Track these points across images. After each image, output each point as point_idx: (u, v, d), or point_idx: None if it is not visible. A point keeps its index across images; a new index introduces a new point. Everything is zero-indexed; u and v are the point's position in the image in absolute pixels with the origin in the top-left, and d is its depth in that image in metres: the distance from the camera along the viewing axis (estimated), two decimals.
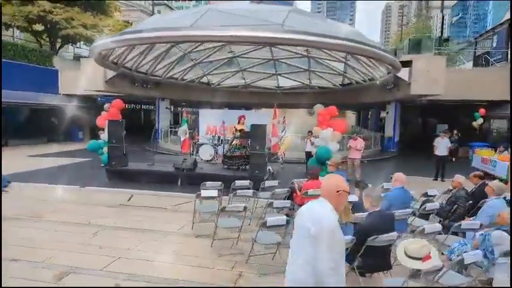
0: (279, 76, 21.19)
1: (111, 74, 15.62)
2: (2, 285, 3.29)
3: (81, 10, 19.87)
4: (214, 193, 5.36)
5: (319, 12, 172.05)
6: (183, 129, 12.87)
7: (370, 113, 29.18)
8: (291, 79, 21.29)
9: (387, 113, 19.80)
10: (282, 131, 13.27)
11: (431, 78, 12.68)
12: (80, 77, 15.53)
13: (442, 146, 10.97)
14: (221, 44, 15.35)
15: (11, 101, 16.47)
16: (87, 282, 3.88)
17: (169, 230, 5.65)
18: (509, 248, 3.42)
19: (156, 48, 15.01)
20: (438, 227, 4.01)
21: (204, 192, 5.33)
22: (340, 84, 20.34)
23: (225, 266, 4.39)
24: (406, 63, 13.52)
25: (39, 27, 20.44)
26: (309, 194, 5.72)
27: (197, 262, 4.49)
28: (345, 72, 18.17)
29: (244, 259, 4.46)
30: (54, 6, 18.21)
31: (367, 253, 3.56)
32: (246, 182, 6.25)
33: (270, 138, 13.16)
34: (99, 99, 19.12)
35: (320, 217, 2.17)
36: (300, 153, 13.69)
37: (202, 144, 11.26)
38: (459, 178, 5.41)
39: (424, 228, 3.92)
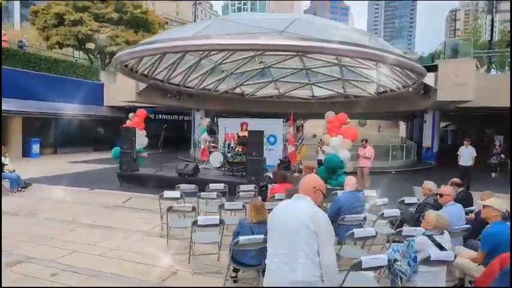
0: (313, 85, 20.96)
1: (143, 85, 16.62)
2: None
3: (126, 28, 21.55)
4: (177, 194, 5.50)
5: (376, 13, 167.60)
6: (203, 138, 13.28)
7: (414, 122, 27.62)
8: (325, 88, 20.96)
9: (425, 121, 18.61)
10: (299, 140, 13.09)
11: (458, 83, 11.74)
12: (116, 89, 16.76)
13: (466, 155, 10.08)
14: (251, 54, 15.74)
15: (61, 112, 18.28)
16: (28, 270, 4.20)
17: (141, 230, 5.89)
18: (429, 255, 3.11)
19: (187, 60, 15.66)
20: (371, 231, 3.77)
21: (166, 193, 5.50)
22: (375, 93, 19.59)
23: (161, 262, 4.49)
24: (434, 68, 12.70)
25: (91, 45, 22.53)
26: (275, 198, 5.66)
27: (141, 259, 4.65)
28: (379, 80, 17.50)
29: (194, 259, 4.47)
30: (101, 25, 19.99)
31: None
32: (221, 185, 6.32)
33: (287, 146, 13.11)
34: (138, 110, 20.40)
35: (316, 212, 2.26)
36: None
37: (213, 151, 11.53)
38: (428, 184, 4.97)
39: (353, 233, 3.70)
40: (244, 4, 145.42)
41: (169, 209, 4.79)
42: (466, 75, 12.02)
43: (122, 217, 6.68)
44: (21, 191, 8.68)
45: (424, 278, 3.20)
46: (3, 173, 8.48)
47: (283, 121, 13.75)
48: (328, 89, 20.78)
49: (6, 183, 8.56)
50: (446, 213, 3.94)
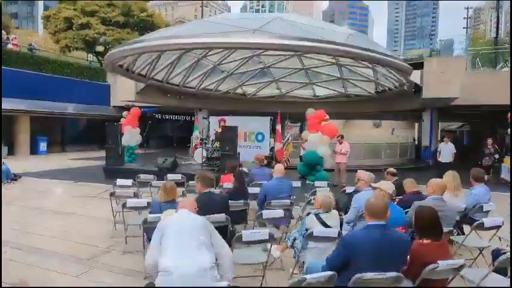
0: (314, 85, 21.03)
1: (142, 85, 17.20)
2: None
3: (132, 31, 22.35)
4: (129, 182, 5.89)
5: (397, 12, 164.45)
6: (195, 135, 13.70)
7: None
8: (326, 88, 21.00)
9: (422, 121, 18.38)
10: (285, 137, 13.30)
11: (443, 80, 11.66)
12: (117, 89, 17.43)
13: (445, 151, 10.03)
14: (249, 54, 16.08)
15: (68, 112, 19.20)
16: None
17: (99, 216, 6.28)
18: (312, 231, 3.33)
19: (185, 60, 16.08)
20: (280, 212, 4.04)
21: (119, 181, 5.89)
22: (375, 92, 19.51)
23: (102, 243, 4.86)
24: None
25: (100, 48, 23.50)
26: (224, 187, 5.94)
27: (85, 240, 5.05)
28: (377, 79, 17.45)
29: (129, 240, 4.78)
30: (107, 28, 20.84)
31: None
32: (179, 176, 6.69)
33: (274, 143, 13.33)
34: (142, 109, 21.09)
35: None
36: None
37: (198, 148, 11.91)
38: (361, 174, 5.04)
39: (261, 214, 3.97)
40: (263, 6, 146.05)
41: (112, 194, 5.17)
42: (453, 73, 11.92)
43: (86, 205, 7.14)
44: (10, 182, 9.31)
45: (311, 253, 3.44)
46: None
47: (270, 119, 13.96)
48: (329, 89, 20.84)
49: None
50: (360, 197, 4.15)
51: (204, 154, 10.50)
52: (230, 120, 15.19)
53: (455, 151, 10.15)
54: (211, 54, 16.06)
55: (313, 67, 18.09)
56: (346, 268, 2.64)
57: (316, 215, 3.53)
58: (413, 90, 14.10)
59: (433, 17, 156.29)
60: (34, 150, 17.97)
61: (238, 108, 22.66)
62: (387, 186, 3.76)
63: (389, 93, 18.06)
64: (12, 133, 17.24)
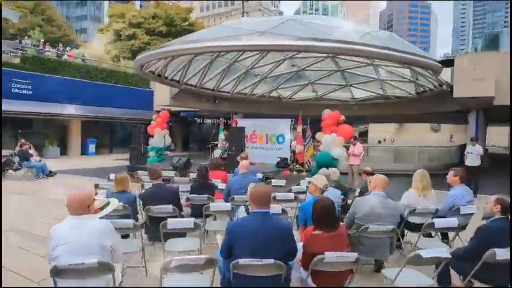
0: (351, 87, 20.54)
1: (177, 90, 18.10)
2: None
3: (174, 40, 23.63)
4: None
5: (463, 9, 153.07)
6: (220, 137, 14.15)
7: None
8: (364, 90, 20.40)
9: (468, 123, 17.00)
10: (306, 140, 13.18)
11: (475, 78, 10.78)
12: (156, 94, 18.56)
13: (472, 154, 9.27)
14: (281, 57, 16.30)
15: (115, 116, 20.82)
16: None
17: None
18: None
19: (217, 65, 16.69)
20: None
21: (112, 176, 6.41)
22: (416, 93, 18.53)
23: None
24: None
25: None
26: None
27: None
28: (416, 79, 16.61)
29: None
30: (151, 38, 22.31)
31: None
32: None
33: (294, 146, 13.30)
34: (181, 113, 22.19)
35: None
36: None
37: (216, 149, 12.32)
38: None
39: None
40: (316, 10, 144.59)
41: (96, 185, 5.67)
42: (487, 70, 10.98)
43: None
44: (45, 178, 10.43)
45: None
46: (29, 162, 10.30)
47: (291, 121, 13.95)
48: (367, 90, 20.19)
49: (32, 171, 10.38)
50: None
51: (218, 155, 10.86)
52: (249, 122, 15.53)
53: (482, 153, 9.34)
54: (242, 59, 16.49)
55: (349, 68, 17.75)
56: (231, 254, 2.72)
57: (245, 206, 3.62)
58: (448, 89, 13.20)
59: (506, 11, 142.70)
60: (84, 151, 19.74)
61: (274, 111, 22.81)
62: (319, 180, 3.72)
63: (430, 93, 17.09)
64: (65, 136, 19.13)
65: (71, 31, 39.15)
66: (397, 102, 19.63)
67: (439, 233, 4.72)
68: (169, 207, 4.14)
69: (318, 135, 10.88)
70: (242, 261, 2.57)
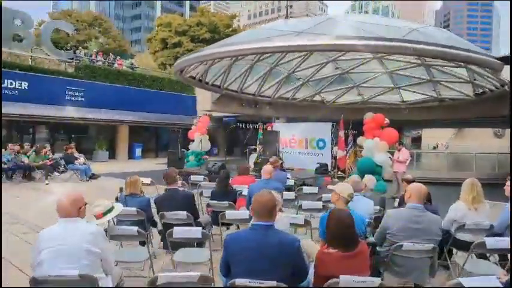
0: (400, 89, 19.37)
1: (218, 95, 18.19)
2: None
3: None
4: (148, 181, 6.30)
5: None
6: (258, 141, 13.87)
7: None
8: (415, 92, 19.11)
9: None
10: (349, 145, 12.46)
11: None
12: (198, 99, 18.81)
13: None
14: (324, 60, 15.85)
15: (160, 121, 21.42)
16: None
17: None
18: None
19: (258, 69, 16.55)
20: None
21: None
22: (474, 94, 16.97)
23: None
24: None
25: None
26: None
27: None
28: (474, 79, 15.21)
29: None
30: (196, 45, 22.75)
31: None
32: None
33: (336, 151, 12.65)
34: (224, 119, 22.30)
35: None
36: None
37: (253, 153, 12.04)
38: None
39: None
40: (366, 12, 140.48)
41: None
42: None
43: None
44: (88, 180, 10.80)
45: None
46: (73, 165, 10.72)
47: (332, 125, 13.30)
48: (419, 93, 18.88)
49: (77, 173, 10.81)
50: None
51: (253, 159, 10.59)
52: (288, 126, 15.05)
53: None
54: (283, 62, 16.20)
55: (398, 70, 16.73)
56: (229, 271, 2.37)
57: None
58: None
59: None
60: (131, 155, 20.47)
61: (317, 116, 22.13)
62: (342, 189, 3.22)
63: (490, 95, 15.59)
64: (114, 140, 19.99)
65: (125, 42, 41.46)
66: (452, 105, 18.12)
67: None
68: (182, 214, 3.88)
69: (360, 139, 10.20)
70: (239, 281, 2.20)
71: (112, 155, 19.53)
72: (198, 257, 3.43)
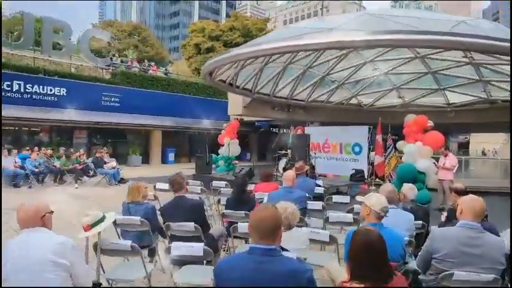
0: (445, 91, 18.02)
1: (249, 99, 17.80)
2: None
3: None
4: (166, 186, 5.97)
5: None
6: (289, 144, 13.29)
7: None
8: (462, 93, 17.69)
9: None
10: (388, 150, 11.51)
11: None
12: (229, 103, 18.56)
13: None
14: (361, 61, 15.12)
15: (193, 126, 21.43)
16: None
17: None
18: None
19: (291, 72, 16.02)
20: None
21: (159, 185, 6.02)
22: None
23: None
24: None
25: None
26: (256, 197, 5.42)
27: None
28: None
29: None
30: (228, 50, 22.58)
31: None
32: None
33: (373, 156, 11.77)
34: (256, 123, 21.90)
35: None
36: None
37: (282, 158, 11.47)
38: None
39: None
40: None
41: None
42: None
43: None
44: (116, 184, 10.74)
45: None
46: (102, 169, 10.70)
47: (369, 129, 12.41)
48: (467, 94, 17.45)
49: (106, 178, 10.78)
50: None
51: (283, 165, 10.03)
52: (322, 130, 14.26)
53: None
54: (317, 64, 15.55)
55: (442, 69, 15.53)
56: None
57: None
58: None
59: None
60: (164, 160, 20.58)
61: (353, 119, 21.13)
62: (374, 201, 2.58)
63: None
64: (147, 145, 20.20)
65: (163, 49, 42.53)
66: (505, 107, 16.50)
67: None
68: (190, 225, 3.42)
69: (400, 144, 9.32)
70: None
71: (145, 160, 19.71)
72: (203, 277, 2.93)
